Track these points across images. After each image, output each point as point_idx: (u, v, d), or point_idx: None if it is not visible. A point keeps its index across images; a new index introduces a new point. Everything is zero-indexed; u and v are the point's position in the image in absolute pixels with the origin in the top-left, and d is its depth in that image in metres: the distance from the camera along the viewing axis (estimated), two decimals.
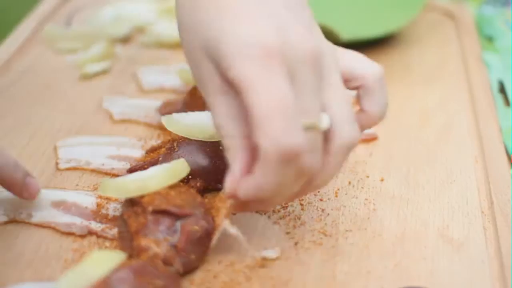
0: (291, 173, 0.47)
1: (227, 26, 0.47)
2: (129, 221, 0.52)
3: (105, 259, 0.48)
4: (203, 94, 0.51)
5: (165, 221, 0.51)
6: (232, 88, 0.48)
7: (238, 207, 0.51)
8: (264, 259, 0.52)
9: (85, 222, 0.55)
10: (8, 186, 0.55)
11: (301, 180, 0.48)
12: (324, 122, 0.48)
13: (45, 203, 0.57)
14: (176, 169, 0.54)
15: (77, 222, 0.55)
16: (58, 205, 0.57)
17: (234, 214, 0.56)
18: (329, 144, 0.49)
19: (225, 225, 0.51)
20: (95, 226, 0.55)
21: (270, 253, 0.53)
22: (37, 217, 0.56)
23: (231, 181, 0.49)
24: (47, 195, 0.58)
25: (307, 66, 0.48)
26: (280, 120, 0.45)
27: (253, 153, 0.49)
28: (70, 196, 0.58)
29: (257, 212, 0.57)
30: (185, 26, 0.51)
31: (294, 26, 0.48)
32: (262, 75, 0.46)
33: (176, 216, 0.51)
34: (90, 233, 0.55)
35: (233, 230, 0.51)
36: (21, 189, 0.55)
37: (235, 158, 0.49)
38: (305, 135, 0.46)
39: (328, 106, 0.49)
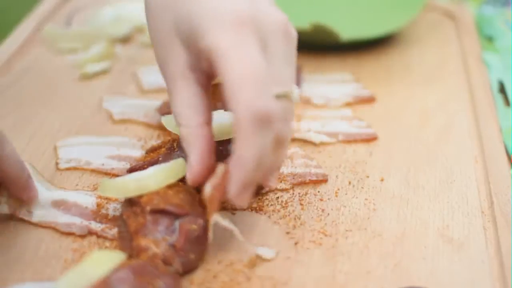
0: (268, 140, 0.47)
1: (201, 2, 0.49)
2: (128, 221, 0.52)
3: (105, 259, 0.48)
4: (164, 80, 0.53)
5: (164, 221, 0.51)
6: (193, 74, 0.51)
7: (220, 196, 0.50)
8: (263, 258, 0.52)
9: (85, 222, 0.55)
10: (12, 183, 0.55)
11: (278, 150, 0.49)
12: (296, 92, 0.49)
13: (45, 203, 0.57)
14: (175, 168, 0.54)
15: (77, 222, 0.55)
16: (58, 205, 0.57)
17: (234, 213, 0.56)
18: None
19: (216, 218, 0.50)
20: (95, 226, 0.55)
21: (267, 253, 0.53)
22: (37, 217, 0.56)
23: (189, 172, 0.51)
24: (47, 195, 0.58)
25: (279, 37, 0.49)
26: (252, 87, 0.46)
27: (209, 143, 0.51)
28: (70, 196, 0.58)
29: (257, 212, 0.57)
30: (155, 11, 0.53)
31: (267, 4, 0.50)
32: (235, 43, 0.47)
33: (175, 216, 0.51)
34: (90, 233, 0.55)
35: (224, 222, 0.50)
36: (24, 188, 0.55)
37: (192, 148, 0.51)
38: (277, 101, 0.47)
39: None
